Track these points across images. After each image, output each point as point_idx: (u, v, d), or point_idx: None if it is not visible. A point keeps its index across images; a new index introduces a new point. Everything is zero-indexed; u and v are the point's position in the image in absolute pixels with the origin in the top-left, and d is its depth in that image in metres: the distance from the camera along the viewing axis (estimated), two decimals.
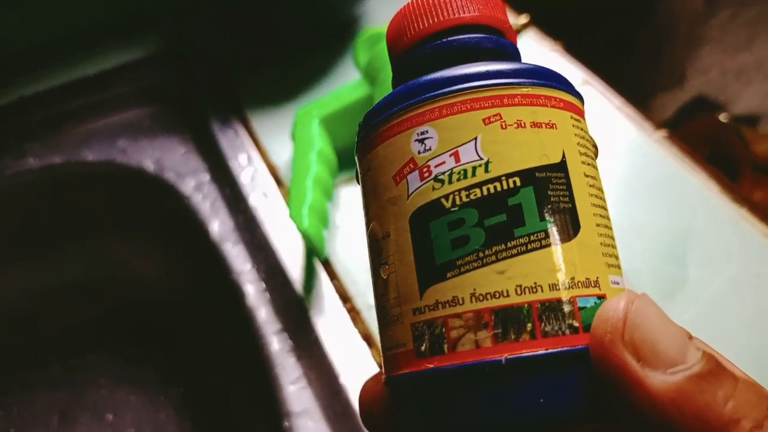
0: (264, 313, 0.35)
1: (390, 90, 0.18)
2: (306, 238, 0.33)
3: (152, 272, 0.47)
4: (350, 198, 0.39)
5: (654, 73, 0.99)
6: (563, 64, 0.47)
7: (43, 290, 0.48)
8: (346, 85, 0.40)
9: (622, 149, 0.41)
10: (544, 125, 0.15)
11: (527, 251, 0.14)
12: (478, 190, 0.14)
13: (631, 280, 0.34)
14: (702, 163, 0.40)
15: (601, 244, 0.15)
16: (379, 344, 0.32)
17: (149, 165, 0.43)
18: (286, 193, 0.39)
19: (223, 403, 0.42)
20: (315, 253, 0.35)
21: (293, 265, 0.36)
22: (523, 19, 0.49)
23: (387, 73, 0.37)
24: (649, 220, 0.37)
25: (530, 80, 0.15)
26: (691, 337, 0.14)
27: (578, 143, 0.15)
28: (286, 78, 0.46)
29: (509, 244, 0.14)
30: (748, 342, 0.32)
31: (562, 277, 0.14)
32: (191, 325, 0.46)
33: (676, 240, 0.36)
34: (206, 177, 0.42)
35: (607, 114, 0.43)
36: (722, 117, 1.10)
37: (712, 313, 0.33)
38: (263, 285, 0.36)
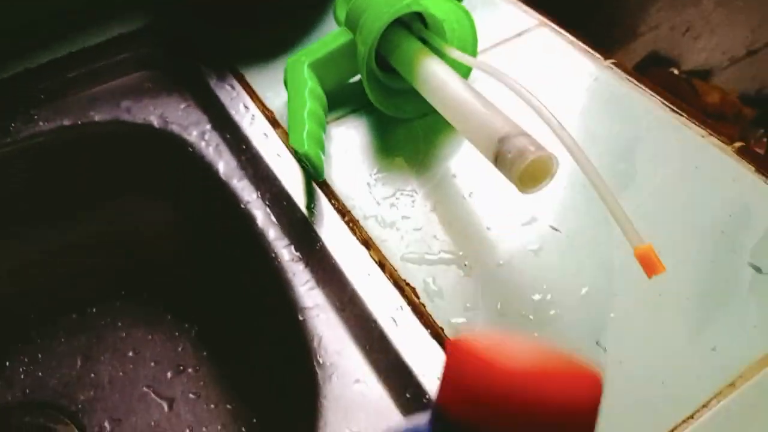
0: (273, 233, 0.40)
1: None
2: (306, 159, 0.38)
3: (161, 219, 0.51)
4: (339, 133, 0.44)
5: (609, 30, 1.05)
6: (521, 11, 0.52)
7: (58, 246, 0.52)
8: (331, 33, 0.45)
9: (576, 76, 0.47)
10: None
11: None
12: None
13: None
14: (646, 83, 0.46)
15: None
16: (378, 246, 0.37)
17: (154, 120, 0.47)
18: (284, 132, 0.44)
19: (238, 323, 0.47)
20: (314, 175, 0.40)
21: (295, 191, 0.41)
22: None
23: (365, 19, 0.42)
24: (602, 131, 0.43)
25: None
26: None
27: None
28: (275, 37, 0.51)
29: None
30: (688, 220, 0.38)
31: None
32: (202, 264, 0.51)
33: (626, 144, 0.42)
34: (208, 126, 0.47)
35: (561, 49, 0.49)
36: (674, 71, 1.17)
37: (657, 200, 0.39)
38: (269, 210, 0.41)
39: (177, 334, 0.50)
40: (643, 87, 0.46)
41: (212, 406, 0.47)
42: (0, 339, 0.50)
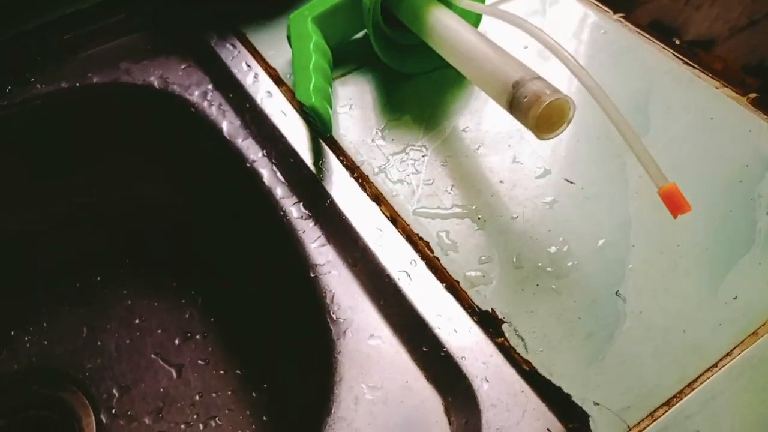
0: (280, 191, 0.39)
1: None
2: (314, 112, 0.37)
3: (164, 183, 0.50)
4: (344, 90, 0.43)
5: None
6: None
7: (59, 211, 0.51)
8: None
9: (585, 29, 0.46)
10: None
11: None
12: None
13: (606, 127, 0.39)
14: (656, 37, 0.45)
15: None
16: (390, 201, 0.36)
17: (154, 81, 0.46)
18: (289, 90, 0.43)
19: (245, 286, 0.46)
20: (322, 130, 0.39)
21: (302, 148, 0.40)
22: None
23: None
24: (615, 83, 0.42)
25: None
26: None
27: None
28: None
29: None
30: (705, 171, 0.37)
31: None
32: (206, 228, 0.50)
33: (640, 97, 0.41)
34: (209, 86, 0.45)
35: (567, 2, 0.48)
36: (676, 41, 1.16)
37: (673, 152, 0.38)
38: (276, 168, 0.40)
39: (183, 301, 0.50)
40: (654, 40, 0.44)
41: (221, 372, 0.46)
42: (5, 308, 0.50)
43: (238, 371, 0.46)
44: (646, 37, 0.45)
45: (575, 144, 0.39)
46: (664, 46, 0.44)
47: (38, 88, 0.46)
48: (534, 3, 0.48)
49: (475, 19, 0.43)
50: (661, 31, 1.25)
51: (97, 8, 0.50)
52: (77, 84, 0.46)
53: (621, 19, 0.47)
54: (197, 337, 0.48)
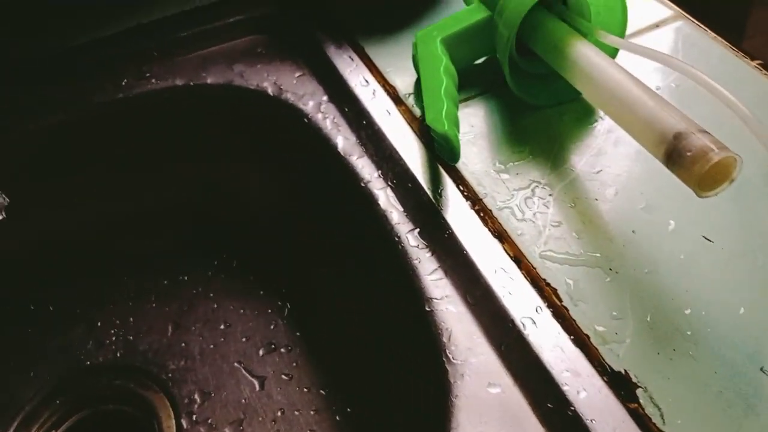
0: (396, 216, 0.38)
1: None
2: (445, 140, 0.35)
3: (267, 190, 0.50)
4: (466, 116, 0.41)
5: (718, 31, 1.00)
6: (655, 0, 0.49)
7: (157, 207, 0.51)
8: (465, 9, 0.42)
9: (723, 75, 0.43)
10: None
11: None
12: None
13: (745, 183, 0.36)
14: None
15: None
16: (514, 240, 0.34)
17: (268, 87, 0.45)
18: (407, 111, 0.42)
19: (339, 304, 0.45)
20: (449, 157, 0.37)
21: (420, 173, 0.39)
22: None
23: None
24: None
25: None
26: None
27: None
28: (394, 11, 0.49)
29: None
30: None
31: None
32: (305, 241, 0.49)
33: None
34: (324, 98, 0.44)
35: (702, 44, 0.45)
36: None
37: None
38: (392, 191, 0.39)
39: (270, 311, 0.49)
40: None
41: (305, 389, 0.45)
42: (92, 297, 0.50)
43: (322, 391, 0.45)
44: None
45: (713, 199, 0.36)
46: None
47: (153, 83, 0.46)
48: (668, 42, 0.46)
49: (611, 53, 0.41)
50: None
51: (215, 7, 0.50)
52: (191, 83, 0.46)
53: (759, 67, 0.44)
54: (282, 349, 0.47)
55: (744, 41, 1.07)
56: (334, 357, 0.46)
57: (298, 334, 0.48)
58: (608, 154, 0.39)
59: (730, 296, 0.32)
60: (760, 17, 1.04)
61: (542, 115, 0.41)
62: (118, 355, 0.47)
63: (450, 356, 0.32)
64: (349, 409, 0.43)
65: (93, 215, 0.50)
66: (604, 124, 0.41)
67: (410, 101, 0.43)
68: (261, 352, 0.47)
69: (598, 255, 0.34)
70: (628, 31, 0.47)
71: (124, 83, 0.46)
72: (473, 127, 0.41)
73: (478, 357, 0.32)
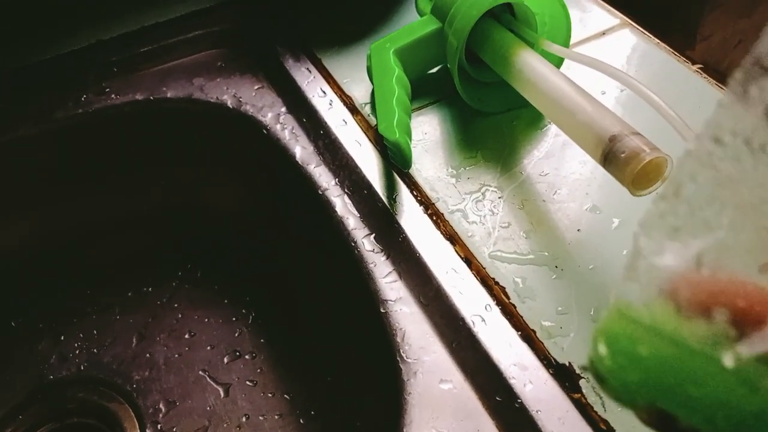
0: (352, 222, 0.39)
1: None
2: (397, 148, 0.37)
3: (228, 200, 0.51)
4: (419, 124, 0.43)
5: (667, 38, 1.03)
6: (603, 10, 0.51)
7: (120, 220, 0.51)
8: (417, 21, 0.43)
9: (665, 80, 0.45)
10: None
11: None
12: None
13: None
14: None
15: None
16: (465, 242, 0.35)
17: (228, 100, 0.46)
18: (363, 120, 0.43)
19: (301, 310, 0.46)
20: (401, 164, 0.38)
21: (375, 180, 0.40)
22: None
23: (457, 8, 0.40)
24: None
25: None
26: None
27: None
28: (351, 23, 0.50)
29: None
30: None
31: None
32: (266, 248, 0.50)
33: None
34: (283, 109, 0.46)
35: (647, 50, 0.47)
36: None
37: None
38: (349, 198, 0.40)
39: (234, 319, 0.49)
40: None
41: (269, 394, 0.46)
42: (56, 312, 0.50)
43: (286, 395, 0.45)
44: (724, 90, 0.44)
45: (655, 197, 0.38)
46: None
47: (113, 98, 0.47)
48: (613, 49, 0.48)
49: (557, 62, 0.43)
50: (707, 74, 1.24)
51: (175, 22, 0.51)
52: (151, 97, 0.47)
53: (699, 71, 0.46)
54: (246, 356, 0.48)
55: (698, 43, 1.11)
56: (297, 362, 0.46)
57: (262, 340, 0.48)
58: (556, 157, 0.40)
59: None
60: (715, 18, 1.08)
61: (493, 121, 0.43)
62: (83, 368, 0.47)
63: (404, 355, 0.33)
64: (312, 412, 0.44)
65: (55, 229, 0.51)
66: (552, 128, 0.42)
67: (366, 110, 0.44)
68: (226, 360, 0.47)
69: (545, 254, 0.36)
70: (577, 39, 0.49)
71: (83, 99, 0.47)
72: (426, 134, 0.42)
73: (430, 355, 0.33)
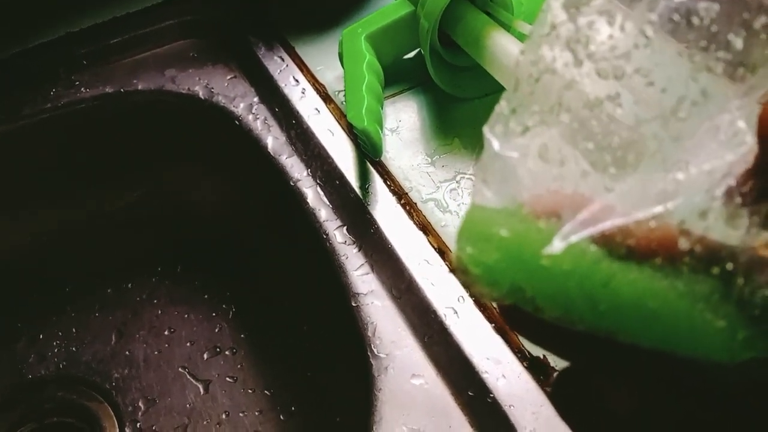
0: (324, 213, 0.38)
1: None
2: (365, 136, 0.35)
3: (202, 194, 0.50)
4: (394, 111, 0.42)
5: None
6: None
7: (95, 216, 0.50)
8: (390, 5, 0.42)
9: None
10: None
11: None
12: None
13: None
14: None
15: None
16: (438, 232, 0.34)
17: (200, 91, 0.45)
18: (336, 108, 0.42)
19: (280, 305, 0.45)
20: (371, 153, 0.37)
21: (348, 170, 0.39)
22: None
23: None
24: None
25: None
26: None
27: None
28: (325, 9, 0.49)
29: None
30: None
31: None
32: (244, 242, 0.49)
33: None
34: (255, 99, 0.44)
35: None
36: None
37: None
38: (321, 189, 0.39)
39: (214, 314, 0.49)
40: None
41: (249, 391, 0.45)
42: (34, 310, 0.49)
43: (266, 392, 0.45)
44: None
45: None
46: None
47: (82, 92, 0.46)
48: None
49: None
50: None
51: (147, 12, 0.49)
52: (122, 89, 0.46)
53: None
54: (226, 352, 0.47)
55: None
56: (278, 357, 0.46)
57: (242, 336, 0.47)
58: None
59: None
60: None
61: (470, 106, 0.42)
62: (61, 366, 0.47)
63: (374, 350, 0.32)
64: (293, 408, 0.43)
65: (32, 227, 0.50)
66: None
67: (340, 98, 0.43)
68: (206, 356, 0.47)
69: None
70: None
71: (52, 93, 0.45)
72: (401, 121, 0.41)
73: (402, 350, 0.32)
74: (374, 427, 0.30)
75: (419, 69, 0.44)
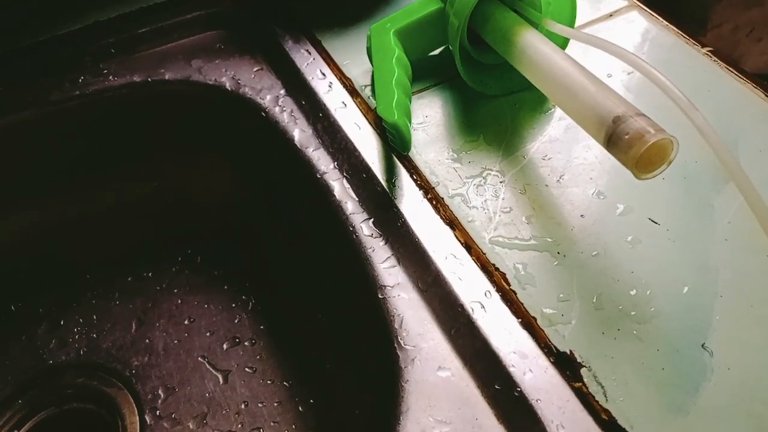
0: (351, 206, 0.38)
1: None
2: (395, 130, 0.36)
3: (227, 184, 0.50)
4: (420, 106, 0.42)
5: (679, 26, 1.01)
6: None
7: (118, 203, 0.51)
8: (419, 1, 0.42)
9: (674, 63, 0.44)
10: None
11: None
12: None
13: (693, 167, 0.37)
14: (746, 75, 0.43)
15: None
16: (465, 227, 0.35)
17: (226, 82, 0.46)
18: (363, 102, 0.42)
19: (301, 297, 0.45)
20: (401, 147, 0.38)
21: (375, 164, 0.39)
22: None
23: None
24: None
25: None
26: None
27: None
28: (352, 4, 0.49)
29: None
30: None
31: None
32: (266, 233, 0.49)
33: (729, 137, 0.39)
34: (282, 91, 0.45)
35: (655, 32, 0.46)
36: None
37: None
38: (347, 182, 0.39)
39: (234, 305, 0.49)
40: (744, 78, 0.43)
41: (269, 381, 0.45)
42: (55, 297, 0.49)
43: (285, 383, 0.45)
44: (737, 75, 0.43)
45: (660, 182, 0.37)
46: (755, 86, 0.42)
47: (110, 80, 0.46)
48: (621, 31, 0.47)
49: (562, 43, 0.41)
50: (717, 57, 1.22)
51: (174, 3, 0.50)
52: (149, 78, 0.46)
53: (709, 54, 0.45)
54: (246, 343, 0.47)
55: (708, 31, 1.08)
56: (297, 349, 0.46)
57: (262, 327, 0.48)
58: (560, 142, 0.39)
59: (674, 276, 0.33)
60: (725, 7, 1.05)
61: (496, 104, 0.42)
62: (82, 353, 0.47)
63: (401, 342, 0.32)
64: (311, 400, 0.44)
65: (55, 213, 0.50)
66: (557, 112, 0.41)
67: (366, 92, 0.43)
68: (225, 346, 0.47)
69: (547, 239, 0.35)
70: (584, 21, 0.48)
71: (81, 80, 0.46)
72: (427, 117, 0.41)
73: (428, 342, 0.32)
74: (401, 417, 0.30)
75: (444, 66, 0.44)
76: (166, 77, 0.46)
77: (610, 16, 0.48)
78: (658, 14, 0.49)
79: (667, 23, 0.48)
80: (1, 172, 0.48)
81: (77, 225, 0.51)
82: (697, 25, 1.04)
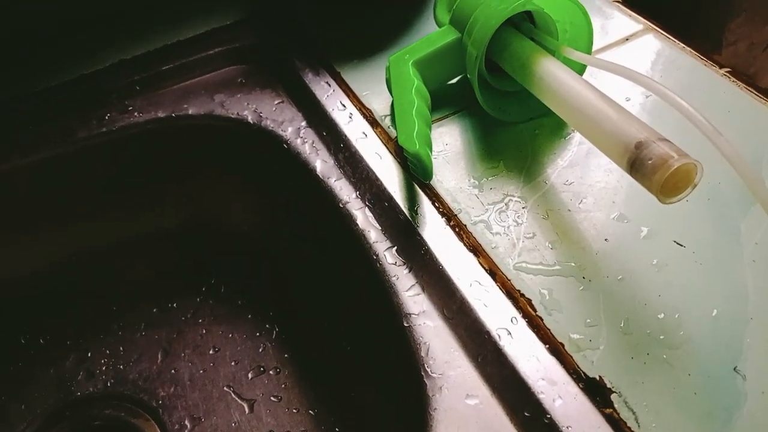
0: (374, 235, 0.38)
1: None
2: (417, 159, 0.36)
3: (251, 215, 0.51)
4: (440, 135, 0.42)
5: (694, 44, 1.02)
6: (625, 15, 0.50)
7: (144, 236, 0.51)
8: (435, 32, 0.43)
9: (692, 85, 0.44)
10: None
11: None
12: None
13: (718, 189, 0.37)
14: (763, 92, 0.43)
15: None
16: (488, 253, 0.35)
17: (248, 115, 0.46)
18: (383, 132, 0.43)
19: (325, 325, 0.46)
20: (423, 175, 0.38)
21: (396, 192, 0.39)
22: None
23: (475, 18, 0.40)
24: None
25: None
26: None
27: None
28: (370, 36, 0.50)
29: None
30: None
31: None
32: (289, 263, 0.50)
33: (753, 158, 0.39)
34: (303, 123, 0.46)
35: (672, 55, 0.46)
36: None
37: None
38: (370, 211, 0.39)
39: (258, 334, 0.49)
40: (763, 98, 0.43)
41: (294, 410, 0.45)
42: (82, 329, 0.50)
43: (311, 411, 0.45)
44: (756, 95, 0.43)
45: (684, 205, 0.37)
46: None
47: (136, 117, 0.47)
48: (638, 55, 0.47)
49: (579, 69, 0.42)
50: (735, 77, 1.22)
51: (196, 40, 0.51)
52: (173, 114, 0.47)
53: (727, 75, 0.45)
54: (270, 372, 0.47)
55: (724, 49, 1.08)
56: (322, 377, 0.46)
57: (286, 355, 0.48)
58: (580, 166, 0.40)
59: (702, 299, 0.33)
60: (739, 24, 1.06)
61: (515, 130, 0.42)
62: (109, 384, 0.47)
63: (428, 370, 0.32)
64: (337, 429, 0.44)
65: (81, 246, 0.51)
66: (576, 136, 0.41)
67: (386, 123, 0.44)
68: (250, 375, 0.47)
69: (571, 264, 0.35)
70: (600, 46, 0.48)
71: (107, 117, 0.47)
72: (447, 145, 0.42)
73: (455, 370, 0.32)
74: None
75: (463, 94, 0.44)
76: (190, 112, 0.47)
77: (626, 40, 0.48)
78: (674, 37, 0.49)
79: (684, 45, 0.48)
80: (29, 206, 0.49)
81: (102, 258, 0.52)
82: (713, 44, 1.04)
